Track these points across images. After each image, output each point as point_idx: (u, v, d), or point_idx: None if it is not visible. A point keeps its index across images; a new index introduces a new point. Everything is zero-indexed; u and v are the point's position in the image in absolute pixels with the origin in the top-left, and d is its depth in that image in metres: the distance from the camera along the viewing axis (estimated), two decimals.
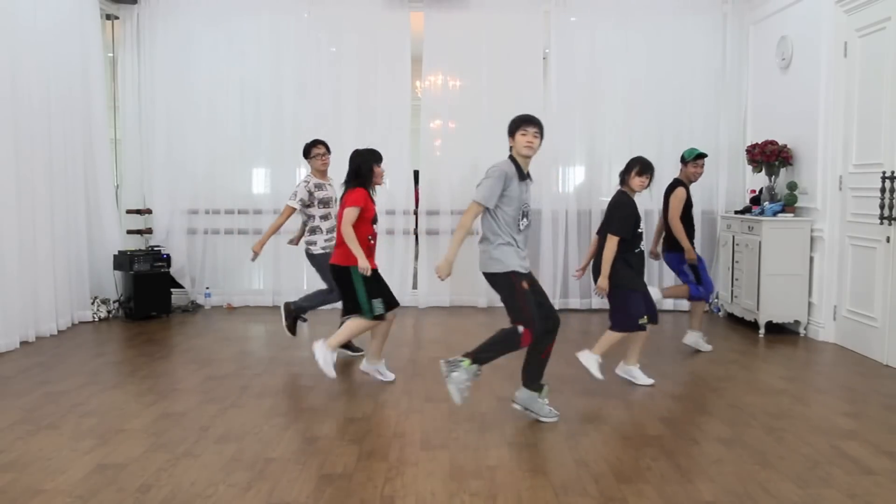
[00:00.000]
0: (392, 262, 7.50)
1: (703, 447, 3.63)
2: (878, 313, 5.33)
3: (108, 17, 7.36)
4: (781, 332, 6.27)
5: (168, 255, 7.09)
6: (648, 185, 4.69)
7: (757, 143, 6.60)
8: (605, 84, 7.41)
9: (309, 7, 7.40)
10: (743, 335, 6.27)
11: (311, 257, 5.39)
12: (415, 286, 7.74)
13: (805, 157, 6.26)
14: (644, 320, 4.59)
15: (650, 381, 4.74)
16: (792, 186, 6.27)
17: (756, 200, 6.73)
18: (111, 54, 7.48)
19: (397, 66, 7.40)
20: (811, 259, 6.11)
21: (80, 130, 6.58)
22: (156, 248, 7.12)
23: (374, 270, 4.54)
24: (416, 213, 7.59)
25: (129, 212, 7.44)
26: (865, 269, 5.51)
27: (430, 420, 4.01)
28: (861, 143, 5.60)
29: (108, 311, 6.84)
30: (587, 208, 7.42)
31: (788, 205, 6.27)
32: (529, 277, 3.98)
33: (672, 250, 5.55)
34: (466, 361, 3.81)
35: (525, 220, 3.96)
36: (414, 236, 7.65)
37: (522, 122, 3.90)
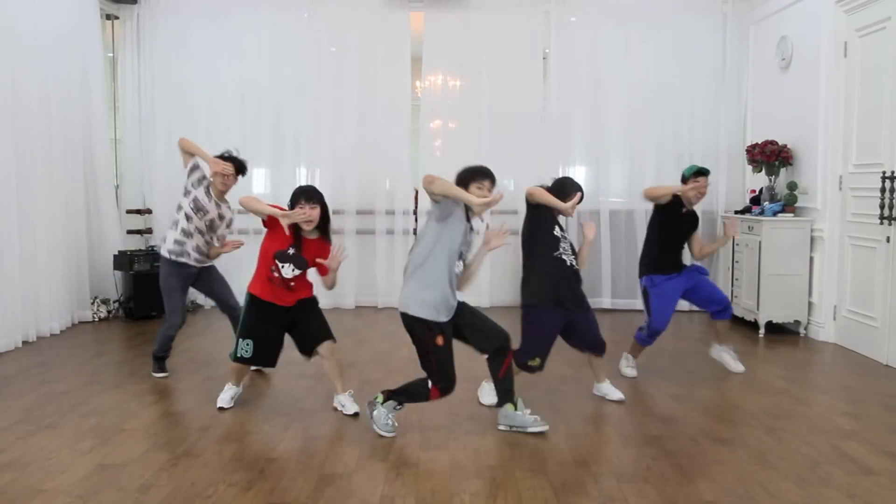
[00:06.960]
0: (392, 261, 7.48)
1: (703, 447, 3.63)
2: (878, 313, 5.33)
3: (108, 17, 7.35)
4: (781, 332, 6.27)
5: None
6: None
7: (757, 143, 6.59)
8: (605, 84, 7.40)
9: (309, 7, 7.40)
10: (743, 335, 6.27)
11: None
12: None
13: (805, 157, 6.25)
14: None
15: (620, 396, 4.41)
16: (792, 186, 6.27)
17: (756, 200, 6.73)
18: (111, 54, 7.48)
19: (397, 66, 7.40)
20: (811, 259, 6.11)
21: (80, 130, 6.58)
22: (156, 248, 7.10)
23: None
24: (415, 213, 7.60)
25: (129, 212, 7.44)
26: (865, 269, 5.51)
27: (430, 420, 4.01)
28: (861, 143, 5.61)
29: (108, 311, 6.84)
30: (587, 208, 7.39)
31: (788, 205, 6.27)
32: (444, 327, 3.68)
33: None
34: (380, 398, 3.78)
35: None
36: (414, 236, 7.64)
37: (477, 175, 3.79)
